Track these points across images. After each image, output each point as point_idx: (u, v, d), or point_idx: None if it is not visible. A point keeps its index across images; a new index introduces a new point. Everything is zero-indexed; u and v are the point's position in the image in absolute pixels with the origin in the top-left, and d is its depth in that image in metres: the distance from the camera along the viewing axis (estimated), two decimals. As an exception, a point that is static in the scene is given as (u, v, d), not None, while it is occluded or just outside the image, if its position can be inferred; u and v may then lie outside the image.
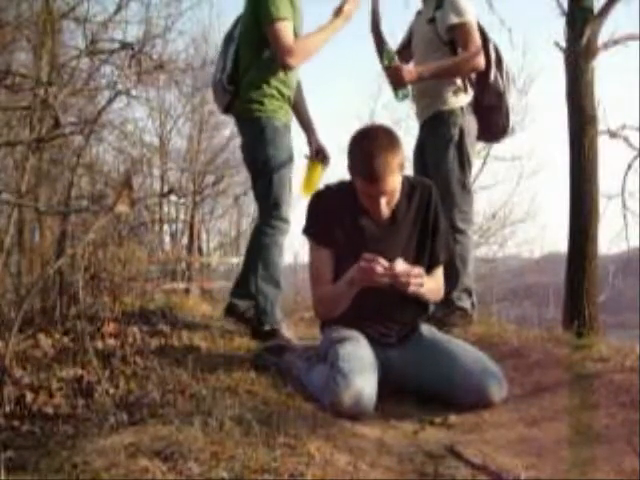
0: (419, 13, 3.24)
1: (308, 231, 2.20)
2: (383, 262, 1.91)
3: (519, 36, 27.09)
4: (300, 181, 3.01)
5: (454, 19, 2.93)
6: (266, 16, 2.68)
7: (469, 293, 3.03)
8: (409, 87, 3.02)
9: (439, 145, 3.01)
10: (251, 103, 2.81)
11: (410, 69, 2.98)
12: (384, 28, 3.17)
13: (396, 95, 3.02)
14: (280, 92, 2.84)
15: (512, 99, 3.22)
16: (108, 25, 5.25)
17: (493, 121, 3.12)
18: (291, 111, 2.95)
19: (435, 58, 3.00)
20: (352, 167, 2.06)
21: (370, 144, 1.99)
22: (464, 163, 3.01)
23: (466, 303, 3.00)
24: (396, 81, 2.97)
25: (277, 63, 2.75)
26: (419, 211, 2.16)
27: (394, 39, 3.42)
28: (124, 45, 4.76)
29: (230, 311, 2.90)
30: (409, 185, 2.16)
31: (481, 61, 2.96)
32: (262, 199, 2.82)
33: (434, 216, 2.17)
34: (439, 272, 2.22)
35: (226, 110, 2.99)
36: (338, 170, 2.69)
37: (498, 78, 3.09)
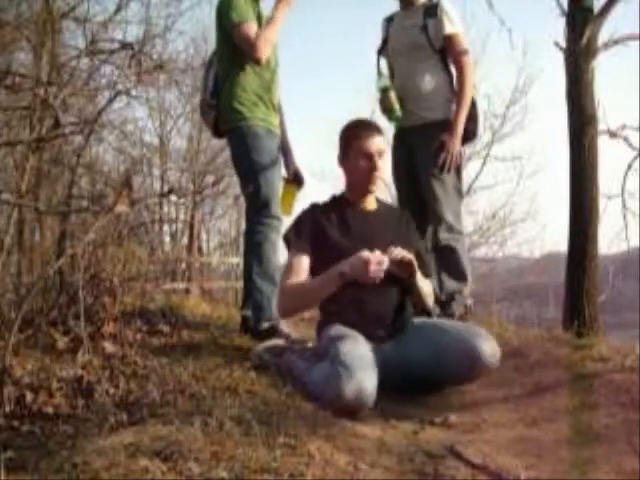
0: (391, 19, 3.30)
1: (288, 237, 2.33)
2: (379, 254, 2.03)
3: (519, 36, 27.10)
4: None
5: (450, 29, 3.07)
6: (229, 22, 2.83)
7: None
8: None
9: (438, 152, 3.04)
10: (231, 113, 2.87)
11: None
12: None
13: (390, 118, 3.15)
14: (259, 96, 2.89)
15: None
16: (108, 25, 5.25)
17: (467, 128, 3.19)
18: (276, 116, 2.98)
19: (426, 64, 3.11)
20: (345, 139, 2.32)
21: (356, 121, 2.37)
22: (459, 169, 3.14)
23: (469, 299, 3.14)
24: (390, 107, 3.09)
25: (250, 66, 2.85)
26: (400, 225, 2.35)
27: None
28: (124, 45, 4.76)
29: (244, 325, 2.91)
30: (385, 203, 2.45)
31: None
32: (252, 201, 2.88)
33: (415, 237, 2.38)
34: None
35: (215, 129, 3.03)
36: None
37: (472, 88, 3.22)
